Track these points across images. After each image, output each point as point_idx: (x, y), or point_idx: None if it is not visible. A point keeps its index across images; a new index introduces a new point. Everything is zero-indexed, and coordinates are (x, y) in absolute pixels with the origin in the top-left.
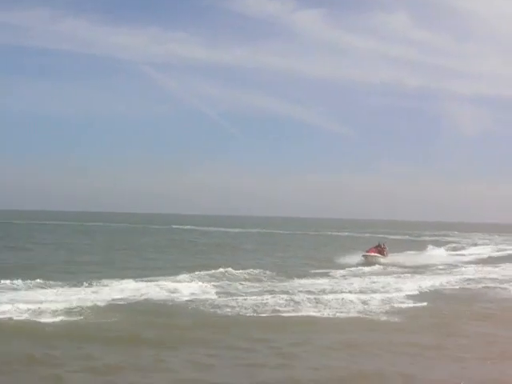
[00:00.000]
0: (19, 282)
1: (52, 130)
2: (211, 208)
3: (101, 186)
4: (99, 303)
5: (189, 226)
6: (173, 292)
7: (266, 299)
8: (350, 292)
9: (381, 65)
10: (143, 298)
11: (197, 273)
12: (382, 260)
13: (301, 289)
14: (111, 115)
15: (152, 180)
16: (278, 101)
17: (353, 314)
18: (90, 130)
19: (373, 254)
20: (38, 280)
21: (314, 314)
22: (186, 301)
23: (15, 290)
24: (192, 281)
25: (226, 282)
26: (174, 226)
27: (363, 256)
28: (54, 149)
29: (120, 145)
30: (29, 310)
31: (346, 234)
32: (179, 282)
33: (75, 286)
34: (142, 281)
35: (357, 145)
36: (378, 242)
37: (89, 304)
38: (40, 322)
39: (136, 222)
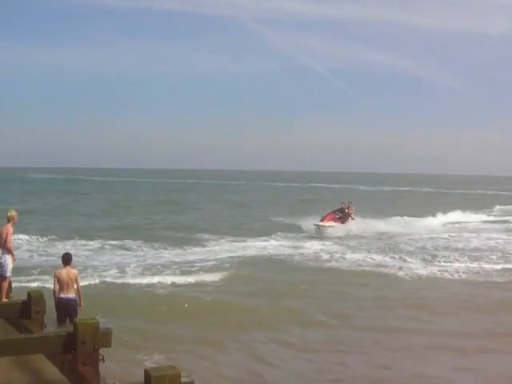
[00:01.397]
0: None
1: (157, 88)
2: (316, 164)
3: (201, 143)
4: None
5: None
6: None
7: None
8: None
9: (499, 15)
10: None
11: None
12: (340, 231)
13: None
14: (219, 72)
15: (256, 137)
16: (389, 55)
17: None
18: (196, 87)
19: (327, 223)
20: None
21: None
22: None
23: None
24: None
25: None
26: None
27: (315, 225)
28: (158, 105)
29: (226, 101)
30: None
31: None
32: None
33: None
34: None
35: (472, 99)
36: (341, 202)
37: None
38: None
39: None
